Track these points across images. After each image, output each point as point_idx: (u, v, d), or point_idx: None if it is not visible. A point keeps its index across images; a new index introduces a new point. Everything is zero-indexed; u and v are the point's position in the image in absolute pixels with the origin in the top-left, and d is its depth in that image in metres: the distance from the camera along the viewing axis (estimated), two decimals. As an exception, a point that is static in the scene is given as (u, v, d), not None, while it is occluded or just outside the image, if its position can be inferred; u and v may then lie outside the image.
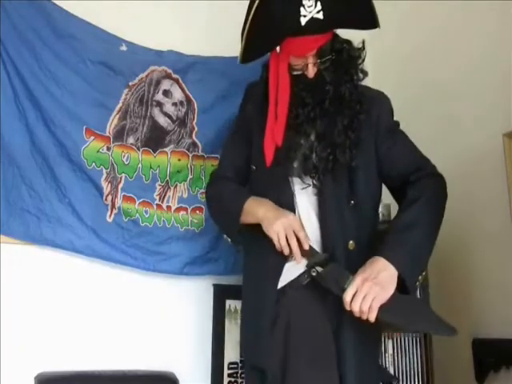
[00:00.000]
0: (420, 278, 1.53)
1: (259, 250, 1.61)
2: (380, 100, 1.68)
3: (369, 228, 1.63)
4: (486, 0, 2.13)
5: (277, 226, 1.51)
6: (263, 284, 1.58)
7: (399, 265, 1.44)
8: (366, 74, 1.64)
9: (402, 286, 1.45)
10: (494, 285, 2.05)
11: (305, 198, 1.60)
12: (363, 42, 1.63)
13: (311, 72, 1.56)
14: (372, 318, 1.40)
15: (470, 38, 2.25)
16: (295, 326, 1.50)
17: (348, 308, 1.41)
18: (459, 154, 2.23)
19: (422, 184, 1.59)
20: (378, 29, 1.59)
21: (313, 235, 1.57)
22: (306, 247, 1.51)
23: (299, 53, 1.56)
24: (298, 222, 1.55)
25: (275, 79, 1.59)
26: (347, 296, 1.41)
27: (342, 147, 1.55)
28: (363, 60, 1.63)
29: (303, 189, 1.59)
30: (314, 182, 1.58)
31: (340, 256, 1.54)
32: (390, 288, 1.42)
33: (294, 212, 1.58)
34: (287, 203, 1.59)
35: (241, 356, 1.56)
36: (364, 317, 1.40)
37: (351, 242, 1.56)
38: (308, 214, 1.60)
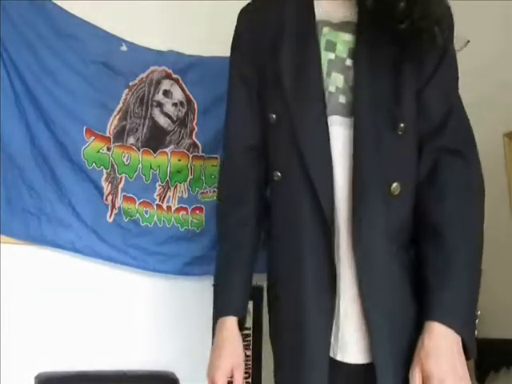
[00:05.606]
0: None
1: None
2: (452, 17, 1.27)
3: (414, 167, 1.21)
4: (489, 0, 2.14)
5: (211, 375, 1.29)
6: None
7: (461, 329, 1.10)
8: None
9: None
10: (494, 285, 2.05)
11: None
12: None
13: None
14: None
15: (470, 37, 2.25)
16: None
17: None
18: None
19: (444, 176, 1.17)
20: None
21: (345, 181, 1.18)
22: None
23: None
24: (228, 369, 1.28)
25: None
26: None
27: None
28: None
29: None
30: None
31: (377, 206, 1.15)
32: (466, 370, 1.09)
33: (329, 160, 1.19)
34: (319, 149, 1.21)
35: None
36: None
37: (395, 184, 1.16)
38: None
